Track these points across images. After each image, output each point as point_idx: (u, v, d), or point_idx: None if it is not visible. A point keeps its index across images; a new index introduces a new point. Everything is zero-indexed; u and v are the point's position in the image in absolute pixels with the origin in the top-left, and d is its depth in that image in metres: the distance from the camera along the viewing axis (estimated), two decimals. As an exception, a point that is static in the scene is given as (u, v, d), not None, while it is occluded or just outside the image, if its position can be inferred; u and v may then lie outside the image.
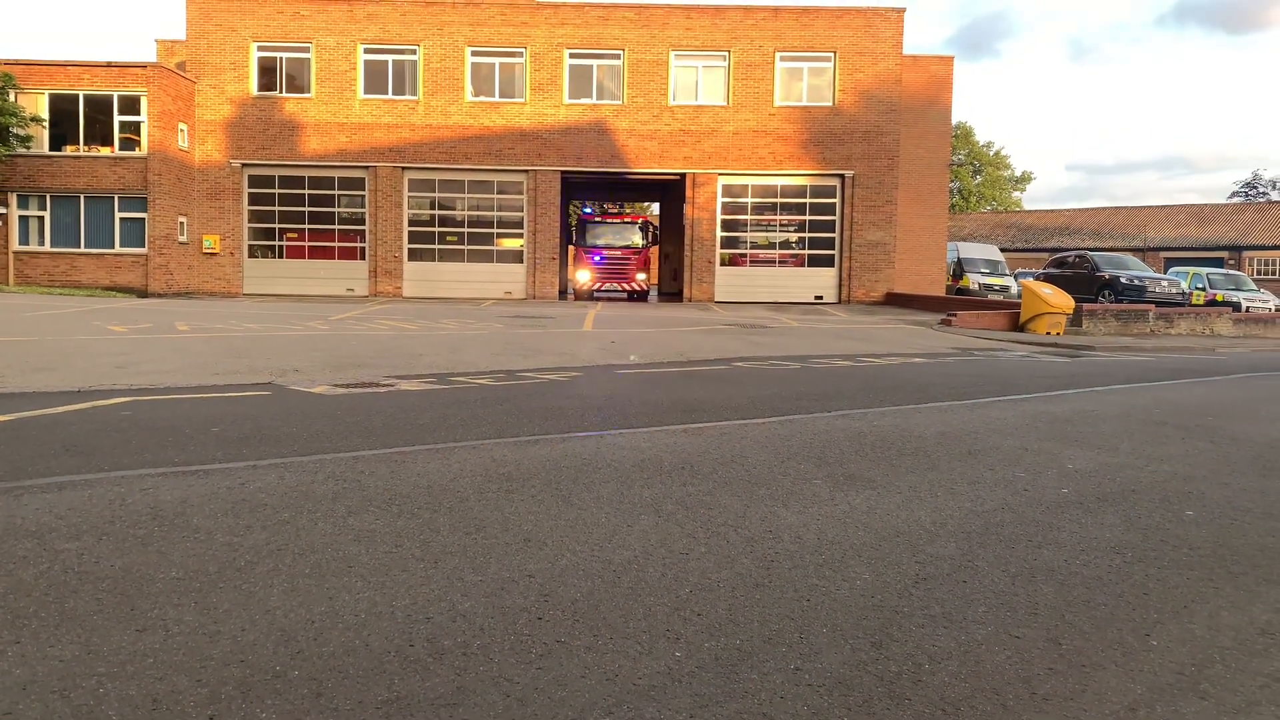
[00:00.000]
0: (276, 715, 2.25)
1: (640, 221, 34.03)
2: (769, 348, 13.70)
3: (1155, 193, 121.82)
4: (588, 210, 35.47)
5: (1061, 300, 20.00)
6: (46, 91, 28.31)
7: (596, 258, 32.84)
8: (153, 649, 2.57)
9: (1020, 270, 39.79)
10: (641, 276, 32.87)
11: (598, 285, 32.46)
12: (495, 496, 4.30)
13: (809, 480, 4.90)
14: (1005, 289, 32.68)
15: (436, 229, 30.76)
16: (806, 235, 30.87)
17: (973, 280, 33.70)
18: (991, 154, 68.64)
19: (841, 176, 30.05)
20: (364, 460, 4.98)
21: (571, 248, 34.84)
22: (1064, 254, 31.19)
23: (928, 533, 4.03)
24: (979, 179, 68.01)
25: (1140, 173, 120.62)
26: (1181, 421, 7.50)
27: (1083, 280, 26.83)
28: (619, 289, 32.58)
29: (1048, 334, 19.41)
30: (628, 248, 33.11)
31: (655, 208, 41.38)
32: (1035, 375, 11.24)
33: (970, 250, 36.11)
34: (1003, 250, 42.66)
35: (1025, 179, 70.92)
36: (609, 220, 34.24)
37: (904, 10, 29.54)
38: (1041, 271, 31.40)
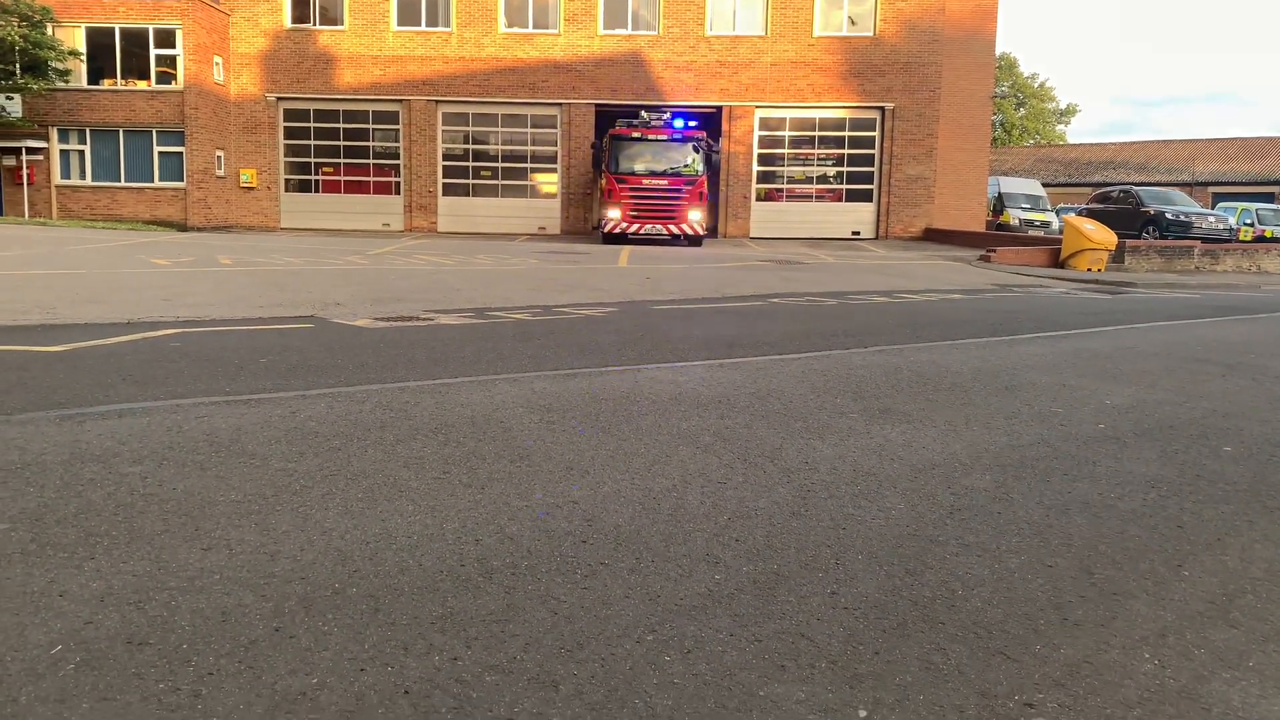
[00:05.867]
0: (338, 628, 2.37)
1: (694, 139, 25.35)
2: (806, 283, 13.64)
3: (1204, 126, 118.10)
4: (623, 123, 25.61)
5: (1104, 236, 19.64)
6: (83, 25, 28.34)
7: (633, 189, 24.56)
8: (218, 566, 2.71)
9: (1063, 205, 39.01)
10: (696, 215, 24.73)
11: (633, 226, 24.34)
12: (537, 427, 4.40)
13: (844, 414, 4.95)
14: (1047, 224, 32.07)
15: (470, 164, 30.64)
16: (845, 169, 30.37)
17: (1013, 215, 33.09)
18: (1036, 86, 66.77)
19: (881, 109, 29.45)
20: (409, 391, 5.10)
21: (603, 177, 26.10)
22: (1108, 189, 30.54)
23: (963, 466, 4.08)
24: (1022, 112, 66.28)
25: (1189, 106, 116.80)
26: (1223, 359, 7.43)
27: (1127, 215, 26.30)
28: (663, 231, 24.51)
29: (1089, 270, 19.12)
30: (676, 175, 24.82)
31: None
32: (1075, 311, 11.13)
33: (1011, 185, 35.38)
34: (1045, 185, 41.73)
35: (1070, 112, 69.08)
36: (651, 137, 25.24)
37: (949, -65, 28.59)
38: (1085, 206, 30.79)
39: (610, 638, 2.39)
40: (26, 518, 2.99)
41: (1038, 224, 32.25)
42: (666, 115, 26.13)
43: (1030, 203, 34.11)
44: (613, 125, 25.67)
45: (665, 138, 25.24)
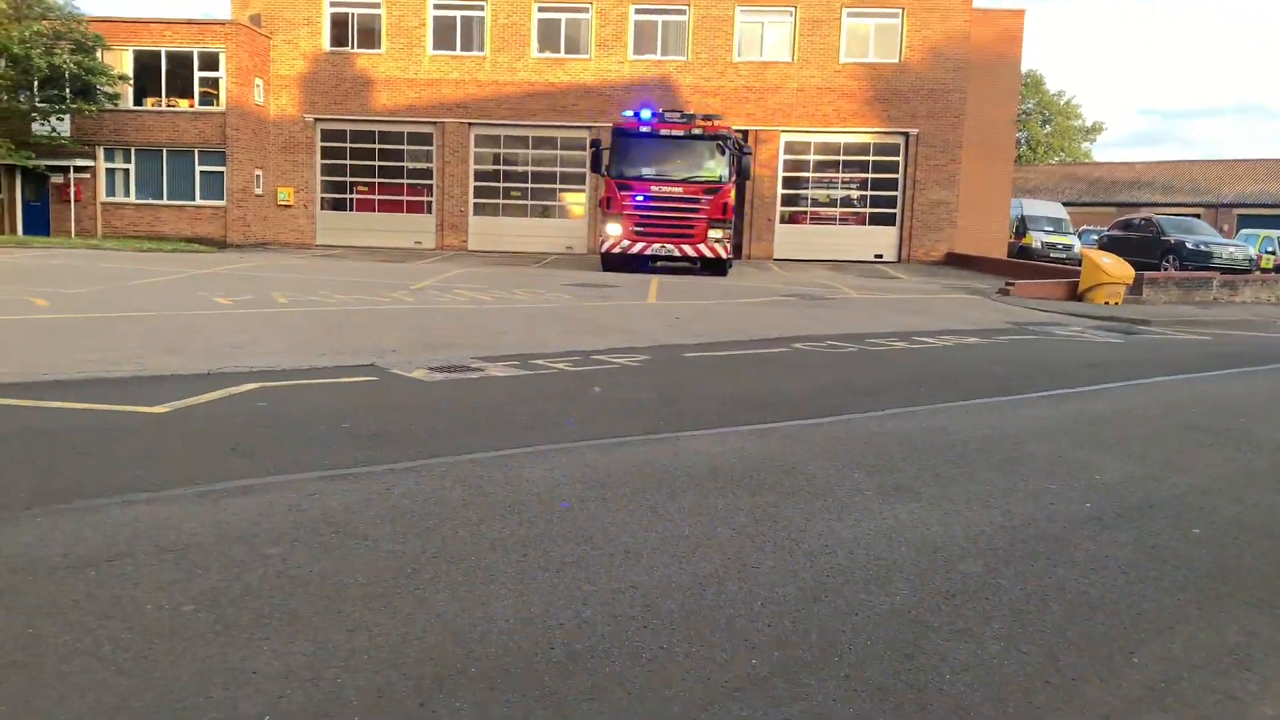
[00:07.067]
0: (468, 705, 3.10)
1: (719, 135, 20.82)
2: (827, 323, 14.34)
3: (1234, 141, 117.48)
4: (629, 114, 20.96)
5: (1121, 270, 20.20)
6: (131, 48, 29.50)
7: (639, 198, 20.04)
8: (364, 647, 3.45)
9: (1086, 228, 39.42)
10: (717, 235, 20.15)
11: (637, 246, 20.16)
12: (595, 507, 5.13)
13: (861, 491, 5.65)
14: (1069, 248, 32.57)
15: (501, 184, 31.52)
16: (868, 193, 31.02)
17: (1035, 239, 33.61)
18: (1062, 103, 67.07)
19: (905, 135, 30.08)
20: (480, 464, 5.85)
21: (603, 182, 21.71)
22: (1130, 217, 31.02)
23: (960, 549, 4.77)
24: (1048, 129, 66.61)
25: (1218, 118, 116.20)
26: (1214, 424, 8.05)
27: (1147, 244, 26.82)
28: (676, 254, 20.31)
29: (1106, 304, 19.68)
30: (693, 181, 20.20)
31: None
32: (1083, 362, 11.76)
33: (1034, 207, 35.89)
34: (1070, 205, 42.16)
35: (1096, 129, 69.34)
36: (664, 132, 20.56)
37: (973, -33, 29.18)
38: (1106, 233, 31.24)
39: (674, 717, 3.11)
40: (205, 599, 3.75)
41: (1060, 247, 32.75)
42: (683, 112, 22.02)
43: (1053, 225, 34.60)
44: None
45: (681, 133, 20.65)
